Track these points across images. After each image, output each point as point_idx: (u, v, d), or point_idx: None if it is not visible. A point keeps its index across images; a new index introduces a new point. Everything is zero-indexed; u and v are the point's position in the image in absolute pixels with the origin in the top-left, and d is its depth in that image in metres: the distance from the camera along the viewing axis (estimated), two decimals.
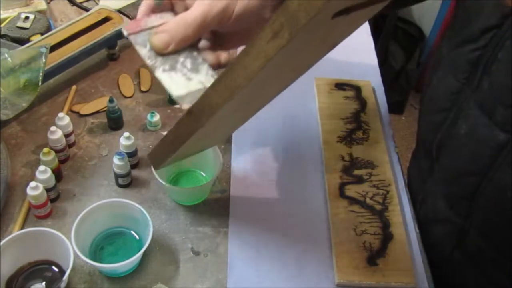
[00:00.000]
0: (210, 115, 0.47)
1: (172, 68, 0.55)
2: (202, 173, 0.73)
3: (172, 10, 0.57)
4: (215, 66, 0.56)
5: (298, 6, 0.35)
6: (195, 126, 0.50)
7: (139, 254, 0.59)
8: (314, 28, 0.37)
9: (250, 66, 0.41)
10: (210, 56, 0.56)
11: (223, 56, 0.57)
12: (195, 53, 0.56)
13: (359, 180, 0.73)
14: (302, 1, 0.34)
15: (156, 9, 0.56)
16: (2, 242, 0.58)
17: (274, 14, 0.37)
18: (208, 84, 0.52)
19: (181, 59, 0.55)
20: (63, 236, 0.59)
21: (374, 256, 0.65)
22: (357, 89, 0.87)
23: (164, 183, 0.65)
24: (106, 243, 0.65)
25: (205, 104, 0.47)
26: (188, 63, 0.55)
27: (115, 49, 0.89)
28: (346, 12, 0.37)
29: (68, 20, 0.89)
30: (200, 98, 0.48)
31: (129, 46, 0.93)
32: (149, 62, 0.54)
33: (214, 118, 0.47)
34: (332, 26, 0.40)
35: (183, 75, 0.54)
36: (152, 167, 0.65)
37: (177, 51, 0.55)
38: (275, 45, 0.38)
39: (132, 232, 0.66)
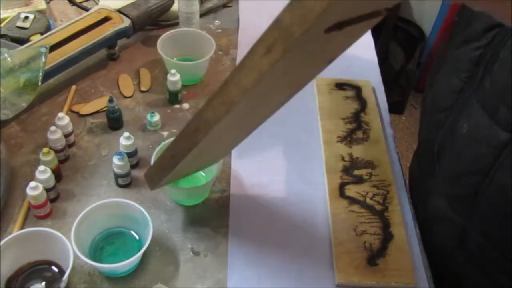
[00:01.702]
0: (206, 132, 0.47)
1: None
2: (202, 173, 0.73)
3: None
4: None
5: (291, 21, 0.35)
6: (191, 144, 0.49)
7: (139, 254, 0.59)
8: (307, 43, 0.37)
9: (244, 82, 0.40)
10: None
11: None
12: None
13: (359, 180, 0.73)
14: (295, 15, 0.34)
15: None
16: (2, 242, 0.58)
17: (266, 30, 0.37)
18: None
19: None
20: (63, 236, 0.59)
21: (374, 256, 0.65)
22: (357, 89, 0.86)
23: None
24: (106, 243, 0.65)
25: (201, 121, 0.47)
26: None
27: (115, 49, 0.89)
28: (339, 27, 0.36)
29: (68, 20, 0.89)
30: (196, 115, 0.48)
31: (129, 46, 0.93)
32: None
33: (210, 135, 0.47)
34: (326, 41, 0.39)
35: None
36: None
37: None
38: (269, 60, 0.37)
39: (132, 232, 0.66)
